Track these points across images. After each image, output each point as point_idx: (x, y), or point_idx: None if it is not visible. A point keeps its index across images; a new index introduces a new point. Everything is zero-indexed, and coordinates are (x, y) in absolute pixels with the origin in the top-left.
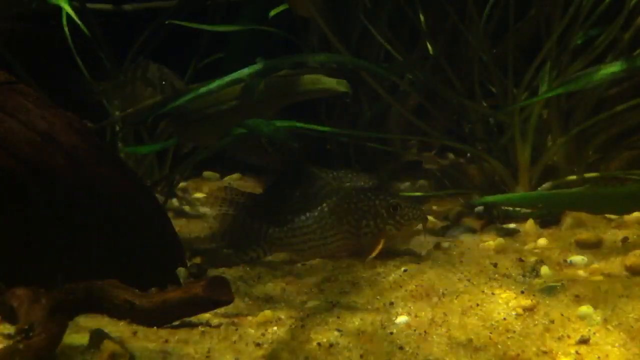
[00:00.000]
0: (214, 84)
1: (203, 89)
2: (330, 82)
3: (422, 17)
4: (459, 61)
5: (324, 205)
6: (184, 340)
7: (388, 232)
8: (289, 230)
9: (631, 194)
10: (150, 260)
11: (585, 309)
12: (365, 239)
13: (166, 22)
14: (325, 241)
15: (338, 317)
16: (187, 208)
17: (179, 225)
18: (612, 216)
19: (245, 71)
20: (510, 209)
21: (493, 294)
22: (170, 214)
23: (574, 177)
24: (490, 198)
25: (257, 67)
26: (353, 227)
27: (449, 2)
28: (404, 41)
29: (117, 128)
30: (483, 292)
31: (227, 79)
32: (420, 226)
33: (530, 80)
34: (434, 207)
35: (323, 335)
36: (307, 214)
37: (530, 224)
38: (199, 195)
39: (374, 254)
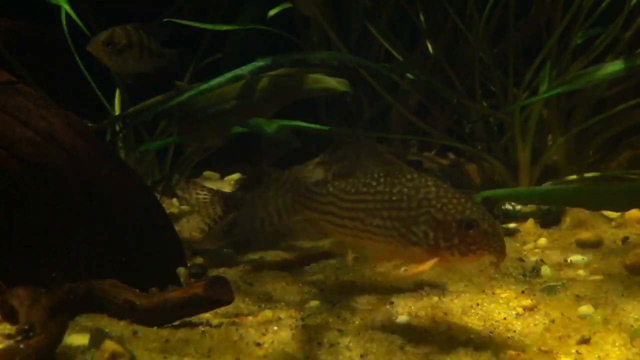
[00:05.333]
0: (215, 81)
1: (204, 85)
2: (331, 82)
3: (422, 17)
4: (460, 61)
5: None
6: (185, 340)
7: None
8: (318, 188)
9: (630, 191)
10: (151, 260)
11: (586, 308)
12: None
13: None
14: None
15: (338, 317)
16: (187, 208)
17: (179, 225)
18: (612, 215)
19: (247, 67)
20: (511, 208)
21: (493, 293)
22: (170, 214)
23: (574, 176)
24: (488, 192)
25: (258, 63)
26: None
27: (449, 2)
28: (404, 41)
29: (117, 128)
30: (483, 291)
31: (229, 75)
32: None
33: (530, 80)
34: None
35: (323, 334)
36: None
37: (530, 224)
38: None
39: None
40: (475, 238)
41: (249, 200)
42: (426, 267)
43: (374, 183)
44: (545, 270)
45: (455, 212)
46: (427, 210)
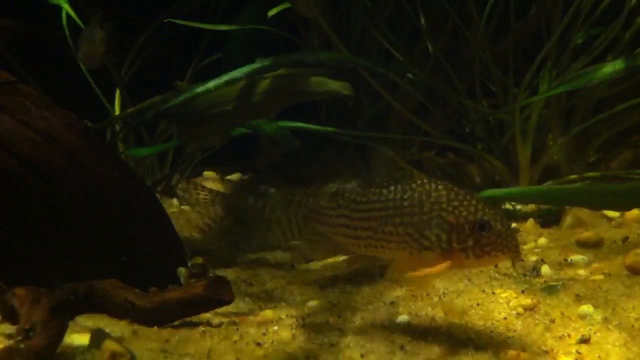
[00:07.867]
0: (211, 83)
1: (200, 88)
2: (335, 85)
3: (422, 17)
4: (460, 60)
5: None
6: (185, 339)
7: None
8: (328, 202)
9: (631, 190)
10: (151, 260)
11: (586, 308)
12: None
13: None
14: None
15: (339, 317)
16: (187, 208)
17: (180, 225)
18: (613, 215)
19: (244, 70)
20: (511, 208)
21: (494, 293)
22: (170, 214)
23: (574, 176)
24: (488, 192)
25: (256, 65)
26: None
27: (449, 2)
28: (404, 41)
29: (117, 128)
30: (484, 291)
31: (225, 77)
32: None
33: (530, 80)
34: None
35: (324, 334)
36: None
37: (530, 223)
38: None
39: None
40: (490, 239)
41: (256, 214)
42: (438, 269)
43: (384, 191)
44: (545, 269)
45: (468, 213)
46: (439, 213)
